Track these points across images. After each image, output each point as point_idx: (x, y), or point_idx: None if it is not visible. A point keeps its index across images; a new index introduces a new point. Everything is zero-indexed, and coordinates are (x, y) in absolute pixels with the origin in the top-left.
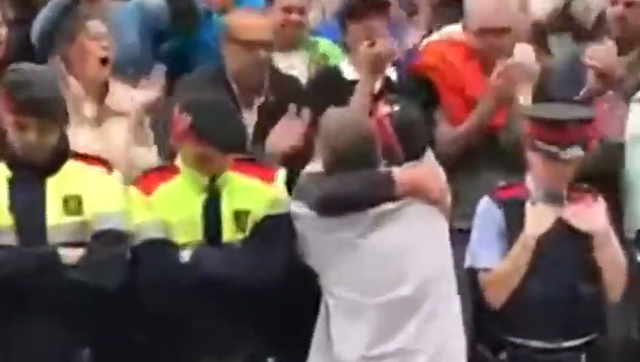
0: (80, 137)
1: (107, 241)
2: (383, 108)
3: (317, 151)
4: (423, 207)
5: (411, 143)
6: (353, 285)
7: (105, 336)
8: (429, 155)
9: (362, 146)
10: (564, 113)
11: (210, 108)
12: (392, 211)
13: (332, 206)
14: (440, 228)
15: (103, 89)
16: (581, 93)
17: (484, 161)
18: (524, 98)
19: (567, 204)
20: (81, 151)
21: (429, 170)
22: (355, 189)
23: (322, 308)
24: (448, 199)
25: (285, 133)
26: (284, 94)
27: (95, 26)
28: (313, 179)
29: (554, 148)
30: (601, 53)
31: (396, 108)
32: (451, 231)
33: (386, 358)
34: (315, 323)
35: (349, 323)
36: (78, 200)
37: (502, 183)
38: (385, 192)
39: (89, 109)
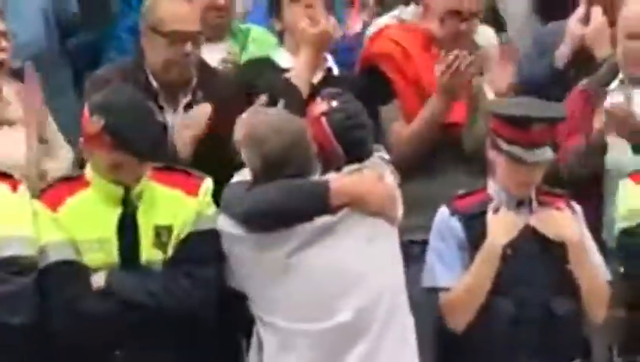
0: None
1: (11, 270)
2: (319, 106)
3: (243, 157)
4: (366, 218)
5: (352, 145)
6: (284, 312)
7: None
8: (377, 157)
9: (294, 151)
10: (531, 110)
11: (125, 109)
12: (329, 225)
13: (260, 220)
14: (386, 241)
15: None
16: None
17: (445, 163)
18: (490, 90)
19: (536, 209)
20: None
21: (370, 176)
22: (286, 201)
23: (255, 335)
24: (397, 207)
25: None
26: (214, 91)
27: None
28: (240, 189)
29: (517, 150)
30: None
31: (334, 104)
32: (408, 243)
33: None
34: (247, 352)
35: (282, 355)
36: None
37: (461, 191)
38: (319, 204)
39: None
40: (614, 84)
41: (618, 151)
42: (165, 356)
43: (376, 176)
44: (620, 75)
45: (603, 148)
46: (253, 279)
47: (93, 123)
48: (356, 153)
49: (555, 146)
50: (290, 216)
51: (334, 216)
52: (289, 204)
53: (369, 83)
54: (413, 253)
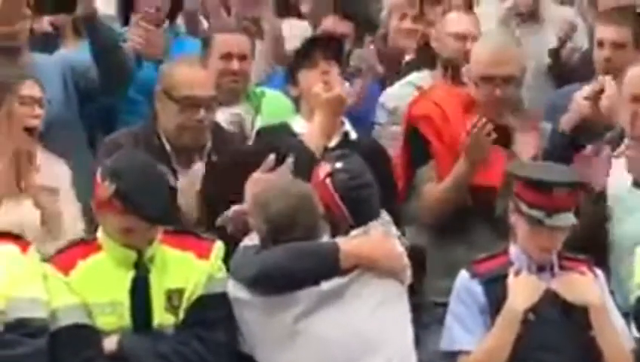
0: None
1: (23, 332)
2: (324, 168)
3: (251, 222)
4: (375, 280)
5: (357, 204)
6: None
7: None
8: (383, 220)
9: (300, 214)
10: (552, 174)
11: (136, 174)
12: (337, 289)
13: (268, 283)
14: (395, 303)
15: (24, 160)
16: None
17: (477, 227)
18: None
19: (558, 273)
20: None
21: (376, 238)
22: (295, 263)
23: None
24: (405, 268)
25: None
26: (229, 155)
27: (29, 87)
28: (248, 253)
29: (539, 214)
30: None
31: (338, 165)
32: (432, 304)
33: None
34: None
35: None
36: None
37: (482, 255)
38: (330, 266)
39: (6, 183)
40: (620, 150)
41: (625, 222)
42: None
43: (382, 236)
44: (626, 141)
45: (603, 199)
46: (262, 344)
47: (104, 188)
48: (362, 213)
49: (578, 212)
50: (299, 278)
51: (343, 278)
52: (298, 267)
53: (411, 145)
54: (437, 315)
